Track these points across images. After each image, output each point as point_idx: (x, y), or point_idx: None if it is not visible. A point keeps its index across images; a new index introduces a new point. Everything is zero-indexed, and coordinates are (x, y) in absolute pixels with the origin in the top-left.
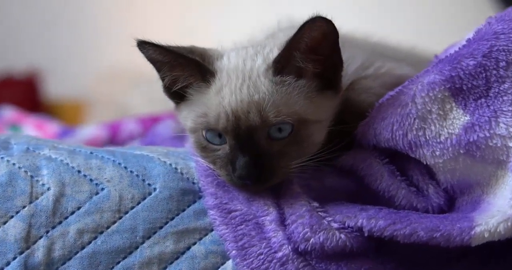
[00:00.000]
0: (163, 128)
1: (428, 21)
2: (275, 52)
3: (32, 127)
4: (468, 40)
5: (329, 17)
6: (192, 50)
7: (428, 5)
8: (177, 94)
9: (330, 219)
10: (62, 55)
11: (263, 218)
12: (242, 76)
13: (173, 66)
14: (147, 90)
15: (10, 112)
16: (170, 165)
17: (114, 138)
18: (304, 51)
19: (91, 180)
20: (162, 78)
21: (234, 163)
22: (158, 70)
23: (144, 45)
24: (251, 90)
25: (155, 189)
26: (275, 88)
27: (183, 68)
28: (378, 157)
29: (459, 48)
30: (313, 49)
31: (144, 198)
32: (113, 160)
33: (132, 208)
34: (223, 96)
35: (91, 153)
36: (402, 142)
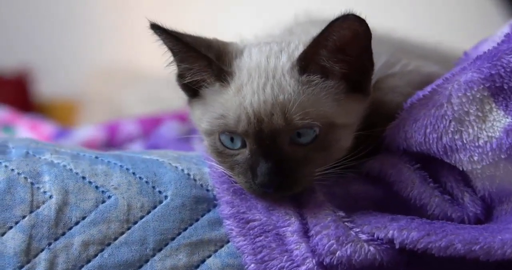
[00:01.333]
0: (167, 130)
1: (442, 17)
2: (300, 50)
3: (25, 129)
4: (508, 35)
5: (362, 16)
6: (210, 44)
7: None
8: (190, 88)
9: (357, 230)
10: (54, 53)
11: (284, 228)
12: (266, 75)
13: (183, 57)
14: (143, 89)
15: (2, 113)
16: (182, 170)
17: (112, 140)
18: (331, 50)
19: (96, 187)
20: (177, 65)
21: (255, 169)
22: (173, 56)
23: (155, 30)
24: (275, 90)
25: (166, 197)
26: (301, 88)
27: (193, 62)
28: (409, 162)
29: (498, 43)
30: (341, 49)
31: (155, 207)
32: (121, 165)
33: (142, 217)
34: (243, 96)
35: (96, 157)
36: (436, 145)
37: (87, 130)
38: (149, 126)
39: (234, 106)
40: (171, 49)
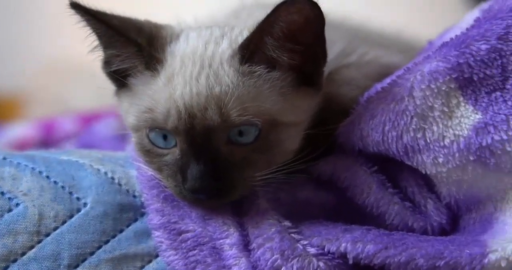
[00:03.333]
0: (103, 126)
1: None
2: (244, 36)
3: None
4: (478, 20)
5: None
6: (141, 27)
7: None
8: (116, 77)
9: (305, 242)
10: None
11: (221, 241)
12: (201, 63)
13: (110, 42)
14: (91, 84)
15: None
16: (105, 173)
17: (47, 138)
18: (278, 38)
19: (2, 193)
20: (103, 51)
21: (185, 172)
22: (98, 39)
23: (76, 11)
24: (211, 81)
25: (85, 204)
26: (241, 80)
27: (121, 48)
28: (365, 164)
29: (467, 29)
30: (290, 37)
31: (71, 216)
32: (32, 168)
33: (56, 228)
34: (174, 87)
35: (4, 158)
36: (396, 145)
37: (20, 128)
38: (87, 123)
39: (163, 99)
40: (95, 32)
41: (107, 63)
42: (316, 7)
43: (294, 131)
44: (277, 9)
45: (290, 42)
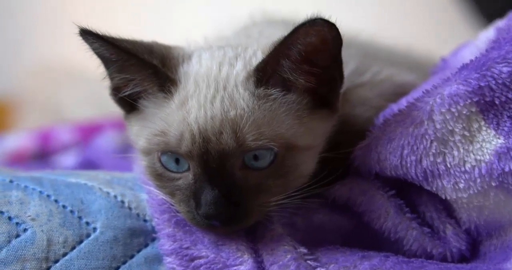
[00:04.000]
0: (104, 141)
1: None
2: (259, 57)
3: None
4: (498, 41)
5: (332, 20)
6: (152, 49)
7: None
8: (127, 102)
9: None
10: None
11: (235, 267)
12: (215, 86)
13: (123, 67)
14: (84, 90)
15: None
16: (115, 197)
17: (44, 149)
18: (295, 60)
19: (9, 218)
20: (110, 78)
21: (199, 197)
22: (106, 67)
23: (87, 37)
24: (226, 105)
25: (95, 229)
26: (257, 103)
27: (136, 71)
28: (382, 188)
29: (487, 50)
30: (307, 59)
31: (81, 241)
32: (40, 191)
33: (65, 254)
34: (188, 111)
35: (11, 181)
36: (415, 170)
37: (15, 138)
38: (86, 135)
39: (177, 122)
40: (104, 58)
41: (116, 89)
42: (335, 29)
43: (309, 155)
44: (295, 31)
45: (307, 65)
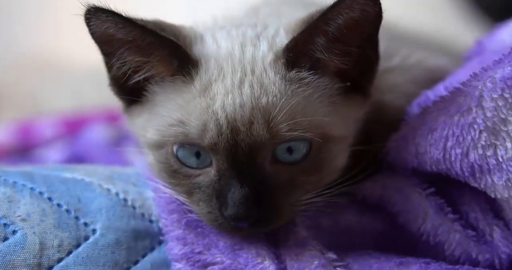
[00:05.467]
0: (94, 135)
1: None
2: (282, 36)
3: None
4: None
5: None
6: (162, 27)
7: None
8: (129, 92)
9: None
10: None
11: None
12: (242, 69)
13: (139, 48)
14: (66, 83)
15: None
16: (117, 194)
17: (25, 143)
18: (332, 38)
19: None
20: (111, 66)
21: (225, 196)
22: (110, 53)
23: (99, 15)
24: (256, 90)
25: (94, 231)
26: (290, 88)
27: (151, 52)
28: (419, 185)
29: None
30: (344, 36)
31: (78, 245)
32: (31, 188)
33: (60, 260)
34: (212, 97)
35: None
36: (461, 164)
37: None
38: (71, 128)
39: (199, 110)
40: (114, 40)
41: (119, 77)
42: (378, 3)
43: (343, 147)
44: (337, 4)
45: (344, 43)
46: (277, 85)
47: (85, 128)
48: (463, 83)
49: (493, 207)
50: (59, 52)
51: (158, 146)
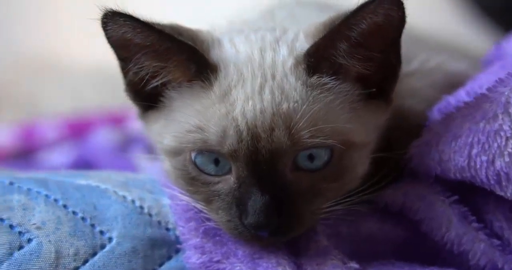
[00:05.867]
0: (100, 140)
1: None
2: (302, 41)
3: None
4: None
5: None
6: (179, 31)
7: None
8: (146, 98)
9: None
10: None
11: None
12: (262, 74)
13: (156, 53)
14: (65, 85)
15: None
16: (133, 201)
17: (27, 146)
18: (354, 43)
19: (11, 226)
20: (127, 71)
21: (245, 204)
22: (127, 58)
23: (116, 19)
24: (277, 96)
25: (110, 240)
26: (311, 94)
27: (169, 57)
28: (443, 193)
29: None
30: (368, 42)
31: (94, 254)
32: (46, 195)
33: (76, 269)
34: (232, 103)
35: (11, 183)
36: (486, 172)
37: None
38: (74, 131)
39: (218, 116)
40: (131, 45)
41: (134, 84)
42: (402, 8)
43: (364, 154)
44: (361, 9)
45: (367, 49)
46: (298, 91)
47: (89, 131)
48: (488, 89)
49: None
50: (58, 52)
51: (175, 153)
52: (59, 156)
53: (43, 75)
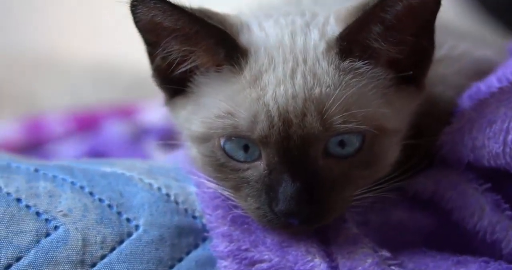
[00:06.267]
0: (113, 132)
1: None
2: (333, 25)
3: None
4: None
5: None
6: (208, 14)
7: None
8: (174, 83)
9: None
10: None
11: None
12: (293, 58)
13: (186, 37)
14: (64, 82)
15: None
16: (159, 189)
17: (35, 139)
18: (389, 26)
19: (37, 213)
20: (154, 56)
21: (276, 191)
22: (155, 42)
23: (146, 2)
24: (309, 81)
25: (137, 227)
26: (344, 79)
27: (198, 41)
28: (475, 180)
29: None
30: (403, 25)
31: (121, 242)
32: (72, 182)
33: (103, 257)
34: (263, 88)
35: (36, 170)
36: None
37: (1, 127)
38: (83, 124)
39: (249, 101)
40: (160, 29)
41: (162, 70)
42: None
43: (395, 140)
44: None
45: (401, 32)
46: (330, 75)
47: (97, 124)
48: None
49: None
50: (57, 49)
51: (203, 139)
52: (69, 149)
53: (42, 72)
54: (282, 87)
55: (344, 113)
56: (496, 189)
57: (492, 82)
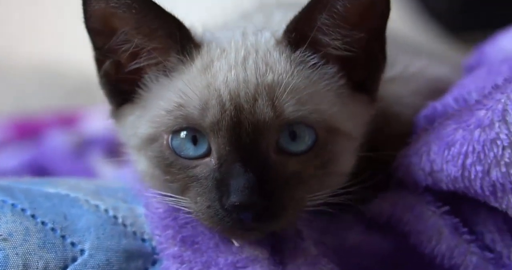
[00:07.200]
0: (55, 143)
1: None
2: (283, 28)
3: None
4: None
5: None
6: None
7: None
8: (121, 89)
9: None
10: None
11: None
12: (245, 49)
13: (141, 26)
14: (9, 84)
15: None
16: (106, 211)
17: None
18: (334, 18)
19: None
20: (103, 61)
21: (227, 184)
22: (103, 40)
23: None
24: (261, 67)
25: (82, 252)
26: (296, 69)
27: (153, 31)
28: (433, 203)
29: None
30: (346, 19)
31: (66, 267)
32: (12, 204)
33: None
34: (214, 74)
35: None
36: (481, 183)
37: None
38: (23, 133)
39: (200, 89)
40: (117, 20)
41: (109, 74)
42: None
43: (350, 147)
44: None
45: (348, 27)
46: (282, 64)
47: (38, 132)
48: (484, 96)
49: (511, 227)
50: (1, 50)
51: (151, 140)
52: (8, 159)
53: None
54: (233, 72)
55: (295, 101)
56: (455, 212)
57: (449, 102)
